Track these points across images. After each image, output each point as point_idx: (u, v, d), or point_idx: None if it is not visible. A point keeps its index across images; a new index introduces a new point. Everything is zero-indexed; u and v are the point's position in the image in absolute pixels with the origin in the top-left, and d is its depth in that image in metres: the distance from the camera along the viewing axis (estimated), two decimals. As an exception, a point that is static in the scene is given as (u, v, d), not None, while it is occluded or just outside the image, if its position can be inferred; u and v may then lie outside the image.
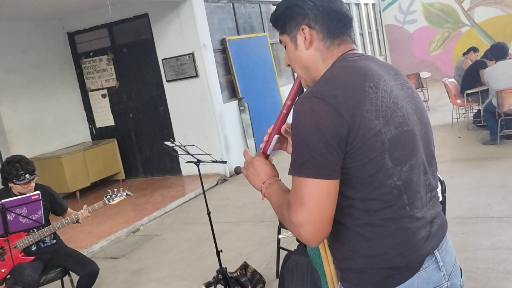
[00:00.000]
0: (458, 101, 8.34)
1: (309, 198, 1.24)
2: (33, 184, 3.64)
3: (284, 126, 1.59)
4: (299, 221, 1.24)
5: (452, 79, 8.89)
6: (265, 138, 1.59)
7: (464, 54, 9.38)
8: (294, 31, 1.42)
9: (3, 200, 3.23)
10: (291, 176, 1.30)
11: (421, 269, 1.33)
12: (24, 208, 3.26)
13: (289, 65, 1.50)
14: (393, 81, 1.38)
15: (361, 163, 1.26)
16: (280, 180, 1.49)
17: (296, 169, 1.27)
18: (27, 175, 3.57)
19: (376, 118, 1.26)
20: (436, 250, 1.37)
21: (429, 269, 1.34)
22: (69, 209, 3.88)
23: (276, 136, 1.56)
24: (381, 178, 1.28)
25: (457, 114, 8.75)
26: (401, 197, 1.30)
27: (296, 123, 1.28)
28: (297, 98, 1.40)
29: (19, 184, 3.58)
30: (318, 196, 1.24)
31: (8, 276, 3.56)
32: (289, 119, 1.45)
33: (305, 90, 1.41)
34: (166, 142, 3.81)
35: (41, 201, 3.34)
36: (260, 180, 1.51)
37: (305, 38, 1.40)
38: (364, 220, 1.31)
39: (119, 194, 3.83)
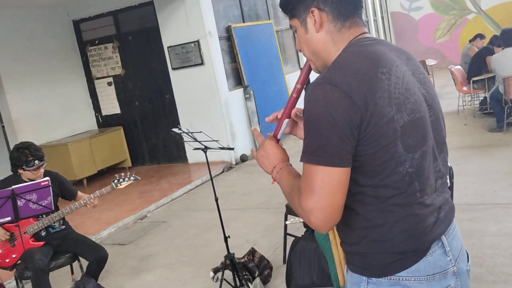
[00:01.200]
0: (464, 88, 8.31)
1: (320, 185, 1.24)
2: (42, 170, 3.68)
3: (294, 110, 1.58)
4: (310, 208, 1.24)
5: (458, 66, 8.84)
6: (268, 119, 1.61)
7: (470, 41, 9.31)
8: (303, 14, 1.41)
9: (13, 186, 3.26)
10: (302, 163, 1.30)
11: (428, 254, 1.34)
12: (34, 194, 3.30)
13: (300, 50, 1.49)
14: (405, 66, 1.37)
15: (373, 150, 1.26)
16: (291, 165, 1.49)
17: (308, 157, 1.27)
18: (36, 161, 3.60)
19: (388, 105, 1.25)
20: (443, 236, 1.38)
21: (436, 254, 1.35)
22: (79, 193, 3.91)
23: (286, 120, 1.55)
24: (393, 165, 1.28)
25: (463, 101, 8.71)
26: (412, 184, 1.31)
27: (308, 110, 1.27)
28: (308, 84, 1.40)
29: (28, 170, 3.61)
30: (329, 184, 1.24)
31: (19, 261, 3.61)
32: (300, 104, 1.45)
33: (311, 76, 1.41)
34: (173, 129, 3.83)
35: (50, 187, 3.37)
36: (271, 164, 1.50)
37: (315, 20, 1.38)
38: (374, 207, 1.32)
39: (126, 179, 3.86)
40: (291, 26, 1.48)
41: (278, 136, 1.59)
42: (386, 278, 1.34)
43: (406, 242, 1.32)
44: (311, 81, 1.37)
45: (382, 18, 17.03)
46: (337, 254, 1.62)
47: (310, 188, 1.25)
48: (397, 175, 1.29)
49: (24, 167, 3.61)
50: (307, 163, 1.27)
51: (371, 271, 1.36)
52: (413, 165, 1.30)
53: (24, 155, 3.60)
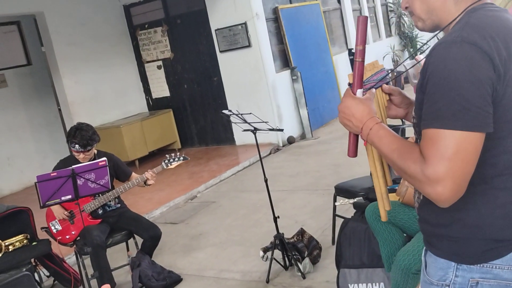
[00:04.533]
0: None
1: (456, 152, 1.13)
2: (82, 156, 3.76)
3: (387, 88, 1.50)
4: (439, 177, 1.13)
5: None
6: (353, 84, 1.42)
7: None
8: None
9: (73, 166, 3.42)
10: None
11: None
12: (92, 173, 3.44)
13: (407, 7, 1.38)
14: None
15: (495, 124, 1.17)
16: (381, 122, 1.35)
17: (445, 122, 1.14)
18: (77, 146, 3.72)
19: None
20: None
21: None
22: (133, 174, 4.05)
23: (360, 91, 1.41)
24: (509, 143, 1.20)
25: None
26: None
27: (443, 70, 1.15)
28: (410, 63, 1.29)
29: (71, 148, 3.77)
30: (465, 150, 1.13)
31: (78, 237, 3.80)
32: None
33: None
34: (224, 111, 3.88)
35: (107, 167, 3.51)
36: (358, 122, 1.36)
37: None
38: (477, 187, 1.23)
39: (176, 159, 3.96)
40: None
41: None
42: (478, 265, 1.26)
43: (505, 229, 1.24)
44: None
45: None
46: (378, 187, 1.51)
47: (440, 154, 1.13)
48: (509, 154, 1.21)
49: (69, 143, 3.77)
50: (441, 129, 1.15)
51: (462, 258, 1.27)
52: None
53: (72, 133, 3.74)
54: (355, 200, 3.48)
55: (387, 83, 1.57)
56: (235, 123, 3.85)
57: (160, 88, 8.81)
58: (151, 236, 3.82)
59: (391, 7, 13.34)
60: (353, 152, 1.47)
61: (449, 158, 1.13)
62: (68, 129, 7.58)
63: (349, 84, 1.44)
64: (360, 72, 1.39)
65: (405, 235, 2.73)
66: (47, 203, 3.41)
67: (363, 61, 1.39)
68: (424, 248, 1.39)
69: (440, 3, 1.29)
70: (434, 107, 1.17)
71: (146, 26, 8.65)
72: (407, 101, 1.58)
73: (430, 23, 1.34)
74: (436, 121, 1.16)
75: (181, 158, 3.99)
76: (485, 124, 1.14)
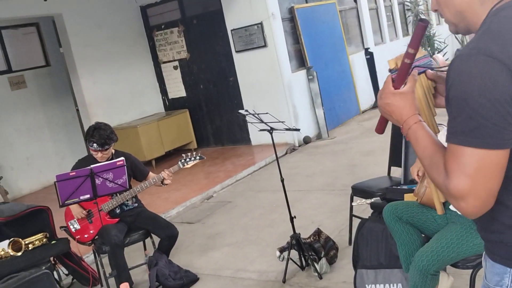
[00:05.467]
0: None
1: (476, 169, 1.10)
2: (100, 155, 3.79)
3: (431, 72, 1.45)
4: (461, 194, 1.12)
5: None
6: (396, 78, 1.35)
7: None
8: None
9: (92, 166, 3.45)
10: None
11: None
12: (110, 173, 3.48)
13: (436, 10, 1.33)
14: None
15: None
16: (422, 121, 1.31)
17: (462, 138, 1.12)
18: (95, 145, 3.76)
19: None
20: None
21: None
22: (150, 173, 4.08)
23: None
24: None
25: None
26: None
27: (459, 86, 1.12)
28: (452, 57, 1.26)
29: (89, 147, 3.82)
30: (486, 167, 1.10)
31: (96, 236, 3.84)
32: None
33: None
34: (240, 111, 3.89)
35: (125, 166, 3.54)
36: (399, 118, 1.32)
37: None
38: None
39: (192, 158, 3.97)
40: None
41: None
42: None
43: None
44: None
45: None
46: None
47: (461, 171, 1.11)
48: None
49: (87, 141, 3.81)
50: (460, 145, 1.12)
51: None
52: None
53: (90, 132, 3.78)
54: (372, 200, 3.46)
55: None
56: (251, 123, 3.86)
57: (176, 89, 8.86)
58: (168, 236, 3.84)
59: (408, 5, 13.22)
60: (381, 129, 1.47)
61: (470, 175, 1.11)
62: (85, 129, 7.68)
63: (390, 71, 1.41)
64: (404, 72, 1.34)
65: (423, 235, 2.70)
66: (66, 202, 3.45)
67: (411, 64, 1.35)
68: (484, 252, 1.38)
69: (465, 5, 1.23)
70: (454, 122, 1.15)
71: (163, 26, 8.70)
72: None
73: (462, 26, 1.28)
74: (455, 136, 1.14)
75: (197, 157, 4.01)
76: (504, 141, 1.10)
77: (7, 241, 3.64)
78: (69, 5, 7.50)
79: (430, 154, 1.23)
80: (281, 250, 3.73)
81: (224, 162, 7.48)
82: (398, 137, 3.85)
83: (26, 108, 7.83)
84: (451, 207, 2.58)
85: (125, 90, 8.34)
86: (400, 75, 1.35)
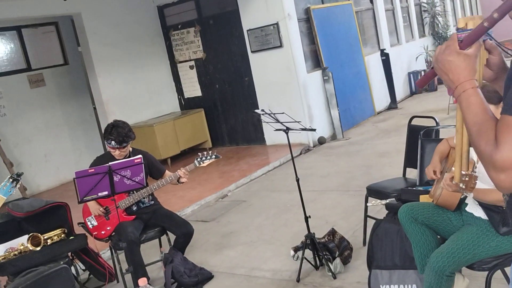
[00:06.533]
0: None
1: None
2: (118, 152, 3.85)
3: (489, 42, 1.40)
4: (506, 165, 1.11)
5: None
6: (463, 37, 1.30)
7: None
8: None
9: (110, 163, 3.51)
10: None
11: None
12: (128, 170, 3.52)
13: None
14: None
15: None
16: (477, 87, 1.28)
17: None
18: (113, 142, 3.81)
19: None
20: None
21: None
22: (167, 172, 4.12)
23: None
24: None
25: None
26: None
27: None
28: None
29: (107, 145, 3.87)
30: None
31: (113, 233, 3.90)
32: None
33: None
34: (256, 110, 3.92)
35: (143, 164, 3.59)
36: (455, 79, 1.28)
37: None
38: None
39: (208, 157, 4.01)
40: None
41: None
42: None
43: None
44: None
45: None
46: (460, 145, 1.47)
47: None
48: None
49: (105, 139, 3.87)
50: None
51: None
52: None
53: (109, 129, 3.84)
54: (387, 201, 3.46)
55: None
56: (267, 122, 3.88)
57: (192, 88, 8.93)
58: (184, 233, 3.88)
59: (424, 7, 13.13)
60: (423, 84, 1.45)
61: None
62: (102, 127, 7.78)
63: (458, 29, 1.35)
64: (478, 35, 1.27)
65: (438, 237, 2.71)
66: (84, 198, 3.51)
67: (488, 28, 1.27)
68: None
69: None
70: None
71: (179, 26, 8.77)
72: (502, 65, 1.47)
73: None
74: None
75: (213, 156, 4.04)
76: None
77: (26, 236, 3.72)
78: (88, 4, 7.60)
79: (480, 121, 1.22)
80: (296, 249, 3.75)
81: (239, 162, 7.52)
82: (413, 138, 3.84)
83: (44, 106, 7.95)
84: (467, 208, 2.58)
85: (142, 89, 8.43)
86: (472, 37, 1.28)
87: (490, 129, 1.19)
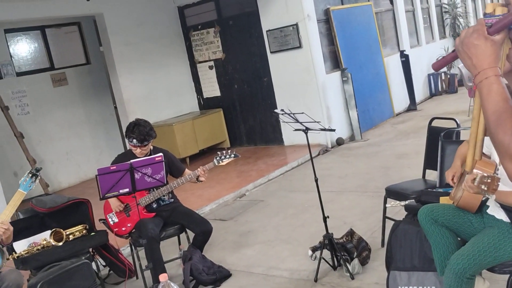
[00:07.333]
0: None
1: None
2: (139, 150, 3.91)
3: None
4: None
5: None
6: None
7: None
8: None
9: (131, 160, 3.57)
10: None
11: None
12: (149, 168, 3.58)
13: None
14: None
15: None
16: (501, 76, 1.24)
17: None
18: (134, 140, 3.87)
19: None
20: None
21: None
22: (186, 170, 4.17)
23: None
24: None
25: None
26: None
27: None
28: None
29: (129, 143, 3.93)
30: None
31: (134, 230, 3.95)
32: None
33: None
34: (276, 110, 3.94)
35: (163, 162, 3.64)
36: (478, 64, 1.24)
37: None
38: None
39: (227, 156, 4.05)
40: None
41: None
42: None
43: None
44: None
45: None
46: (475, 133, 1.44)
47: None
48: None
49: (127, 137, 3.93)
50: None
51: None
52: None
53: (130, 128, 3.90)
54: (407, 202, 3.45)
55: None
56: (286, 122, 3.90)
57: (211, 88, 8.98)
58: (203, 231, 3.92)
59: (445, 8, 13.00)
60: (439, 67, 1.42)
61: None
62: (123, 126, 7.89)
63: (485, 14, 1.38)
64: (508, 23, 1.23)
65: (459, 239, 2.69)
66: (106, 195, 3.57)
67: None
68: None
69: None
70: None
71: (199, 27, 8.84)
72: None
73: None
74: None
75: (232, 155, 4.08)
76: None
77: (49, 231, 3.80)
78: (110, 5, 7.71)
79: (500, 109, 1.19)
80: (314, 249, 3.76)
81: (257, 162, 7.55)
82: (433, 140, 3.83)
83: (66, 105, 8.09)
84: (488, 210, 2.57)
85: (162, 88, 8.51)
86: (502, 23, 1.23)
87: (509, 118, 1.17)
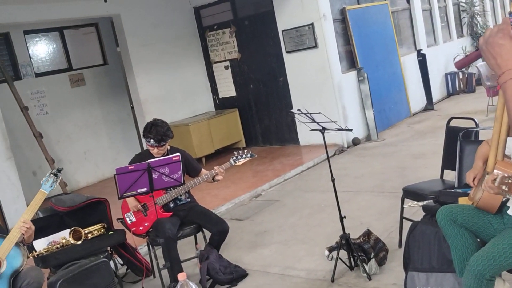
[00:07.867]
0: None
1: None
2: (156, 150, 3.95)
3: None
4: None
5: None
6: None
7: None
8: None
9: (149, 160, 3.60)
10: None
11: None
12: (167, 168, 3.61)
13: None
14: None
15: None
16: None
17: None
18: (152, 140, 3.91)
19: None
20: None
21: None
22: (203, 170, 4.19)
23: None
24: None
25: None
26: None
27: None
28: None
29: (146, 143, 3.96)
30: None
31: (151, 229, 3.99)
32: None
33: None
34: (292, 110, 3.94)
35: (181, 162, 3.66)
36: (503, 64, 1.23)
37: None
38: None
39: (244, 155, 4.06)
40: None
41: None
42: None
43: None
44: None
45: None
46: (497, 133, 1.39)
47: None
48: None
49: (144, 137, 3.96)
50: None
51: None
52: None
53: (148, 128, 3.94)
54: (425, 202, 3.43)
55: None
56: (302, 122, 3.90)
57: (227, 88, 9.01)
58: (219, 231, 3.93)
59: (463, 6, 12.85)
60: (462, 65, 1.42)
61: None
62: (140, 126, 7.95)
63: (510, 13, 1.36)
64: None
65: (478, 240, 2.66)
66: (124, 194, 3.61)
67: None
68: None
69: None
70: None
71: (215, 27, 8.87)
72: None
73: None
74: None
75: (249, 155, 4.09)
76: None
77: (68, 230, 3.85)
78: (127, 6, 7.78)
79: None
80: (330, 249, 3.75)
81: (272, 162, 7.55)
82: (452, 140, 3.79)
83: (84, 105, 8.18)
84: (509, 211, 2.54)
85: (178, 89, 8.56)
86: None
87: None
